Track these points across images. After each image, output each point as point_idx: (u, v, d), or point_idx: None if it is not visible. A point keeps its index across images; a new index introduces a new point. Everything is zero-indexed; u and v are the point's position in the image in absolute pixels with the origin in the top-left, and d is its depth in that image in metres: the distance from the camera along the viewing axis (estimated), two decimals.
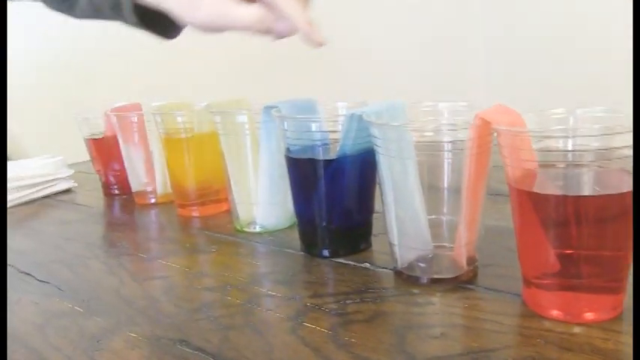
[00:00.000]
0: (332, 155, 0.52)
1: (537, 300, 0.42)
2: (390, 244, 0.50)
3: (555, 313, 0.41)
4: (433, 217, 0.48)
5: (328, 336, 0.41)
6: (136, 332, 0.43)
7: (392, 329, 0.41)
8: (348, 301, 0.46)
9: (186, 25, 0.53)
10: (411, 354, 0.38)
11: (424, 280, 0.48)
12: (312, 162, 0.53)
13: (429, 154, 0.46)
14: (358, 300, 0.46)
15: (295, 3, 0.49)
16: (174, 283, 0.52)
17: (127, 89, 1.15)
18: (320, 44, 0.50)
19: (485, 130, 0.43)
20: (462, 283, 0.47)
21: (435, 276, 0.48)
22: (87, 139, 0.85)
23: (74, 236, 0.67)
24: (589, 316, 0.40)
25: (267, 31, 0.51)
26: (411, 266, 0.49)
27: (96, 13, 0.54)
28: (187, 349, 0.40)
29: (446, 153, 0.46)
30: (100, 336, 0.43)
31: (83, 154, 0.91)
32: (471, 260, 0.48)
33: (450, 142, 0.45)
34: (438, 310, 0.44)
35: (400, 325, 0.42)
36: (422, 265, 0.49)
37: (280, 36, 0.51)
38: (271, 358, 0.38)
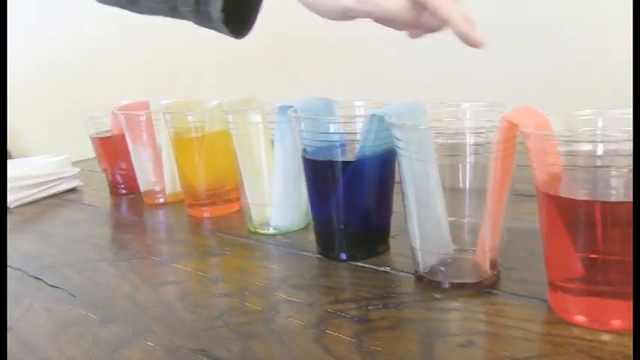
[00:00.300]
0: (351, 157, 0.51)
1: (564, 305, 0.41)
2: (412, 248, 0.49)
3: (582, 319, 0.40)
4: (454, 219, 0.47)
5: (352, 344, 0.39)
6: (153, 341, 0.42)
7: (418, 337, 0.40)
8: (370, 307, 0.44)
9: (254, 23, 0.49)
10: None
11: (446, 285, 0.47)
12: (330, 164, 0.51)
13: (452, 156, 0.45)
14: (380, 306, 0.45)
15: None
16: (190, 288, 0.51)
17: (128, 88, 1.14)
18: (478, 44, 0.45)
19: (511, 132, 0.42)
20: (485, 287, 0.46)
21: (458, 281, 0.47)
22: (93, 137, 0.84)
23: (83, 238, 0.66)
24: (616, 323, 0.39)
25: (413, 24, 0.46)
26: (432, 271, 0.48)
27: (162, 9, 0.49)
28: None
29: (469, 156, 0.45)
30: (115, 345, 0.42)
31: (87, 152, 0.89)
32: (494, 264, 0.47)
33: (474, 145, 0.44)
34: (462, 317, 0.43)
35: (426, 333, 0.41)
36: (443, 269, 0.48)
37: (429, 31, 0.47)
38: None
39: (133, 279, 0.53)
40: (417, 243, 0.48)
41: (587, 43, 0.92)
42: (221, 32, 0.47)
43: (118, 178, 0.83)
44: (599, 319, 0.40)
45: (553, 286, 0.42)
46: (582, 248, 0.39)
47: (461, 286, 0.46)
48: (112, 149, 0.82)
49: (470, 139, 0.44)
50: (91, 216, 0.75)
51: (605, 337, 0.38)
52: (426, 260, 0.48)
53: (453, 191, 0.46)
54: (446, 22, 0.45)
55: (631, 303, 0.38)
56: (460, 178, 0.46)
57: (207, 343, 0.41)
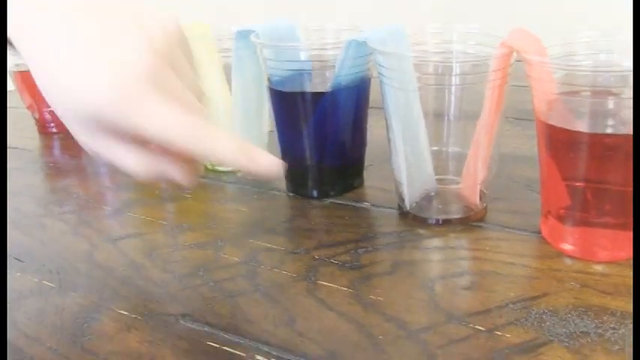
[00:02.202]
0: (323, 86, 0.46)
1: (561, 237, 0.40)
2: (396, 183, 0.45)
3: (580, 250, 0.39)
4: (437, 149, 0.44)
5: (351, 295, 0.37)
6: (125, 309, 0.37)
7: (417, 282, 0.38)
8: (359, 250, 0.41)
9: None
10: (448, 311, 0.35)
11: (433, 221, 0.44)
12: (302, 95, 0.46)
13: (439, 86, 0.41)
14: (370, 248, 0.42)
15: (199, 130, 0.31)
16: (154, 241, 0.46)
17: None
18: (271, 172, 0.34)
19: (509, 59, 0.39)
20: (474, 221, 0.44)
21: (446, 216, 0.44)
22: (12, 72, 0.73)
23: (18, 189, 0.58)
24: (618, 254, 0.38)
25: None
26: (419, 206, 0.45)
27: None
28: (194, 326, 0.35)
29: (460, 86, 0.41)
30: (82, 317, 0.37)
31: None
32: (482, 196, 0.45)
33: (465, 74, 0.40)
34: (459, 256, 0.41)
35: (425, 277, 0.38)
36: (431, 204, 0.45)
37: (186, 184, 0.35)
38: (297, 329, 0.34)
39: (88, 234, 0.48)
40: (402, 177, 0.44)
41: None
42: None
43: (47, 115, 0.74)
44: (597, 250, 0.39)
45: (549, 216, 0.40)
46: (582, 178, 0.37)
47: (449, 222, 0.44)
48: (36, 84, 0.72)
49: (460, 68, 0.40)
50: (23, 162, 0.67)
51: (606, 270, 0.37)
52: (412, 195, 0.45)
53: (437, 120, 0.43)
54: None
55: (630, 233, 0.37)
56: (446, 107, 0.42)
57: (188, 307, 0.37)
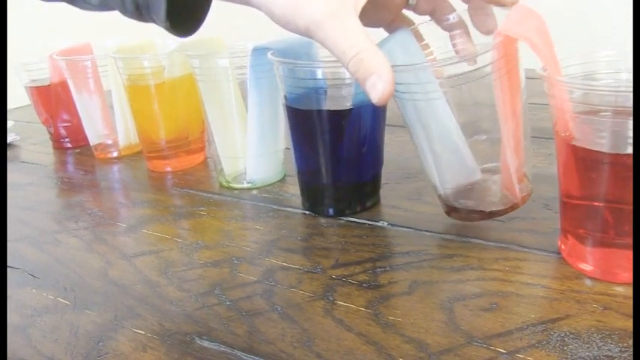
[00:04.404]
0: (342, 105, 0.46)
1: (580, 256, 0.39)
2: (435, 188, 0.45)
3: (600, 271, 0.38)
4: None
5: (369, 316, 0.36)
6: (142, 328, 0.37)
7: (437, 303, 0.37)
8: (377, 270, 0.41)
9: (201, 24, 0.41)
10: (468, 332, 0.34)
11: (477, 216, 0.44)
12: (319, 113, 0.46)
13: (455, 87, 0.41)
14: (388, 268, 0.41)
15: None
16: (170, 258, 0.46)
17: (61, 28, 1.02)
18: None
19: (510, 45, 0.38)
20: (498, 241, 0.43)
21: (493, 208, 0.43)
22: (28, 87, 0.74)
23: (33, 204, 0.59)
24: (631, 276, 0.38)
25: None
26: (461, 203, 0.44)
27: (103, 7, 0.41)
28: (211, 346, 0.35)
29: (470, 81, 0.40)
30: (98, 335, 0.37)
31: (20, 99, 0.79)
32: (523, 187, 0.43)
33: (477, 69, 0.40)
34: (478, 276, 0.40)
35: (444, 297, 0.38)
36: (472, 200, 0.44)
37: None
38: (315, 350, 0.33)
39: (103, 251, 0.48)
40: (436, 180, 0.44)
41: None
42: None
43: (62, 130, 0.75)
44: (618, 271, 0.38)
45: (569, 236, 0.40)
46: (602, 198, 0.36)
47: (493, 214, 0.44)
48: (52, 99, 0.72)
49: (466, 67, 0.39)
50: (37, 177, 0.67)
51: (628, 291, 0.37)
52: (449, 194, 0.44)
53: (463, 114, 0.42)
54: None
55: None
56: (464, 105, 0.42)
57: (204, 326, 0.37)
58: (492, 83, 0.39)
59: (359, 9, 0.35)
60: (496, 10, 0.41)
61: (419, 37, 0.43)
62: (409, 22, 0.43)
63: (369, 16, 0.35)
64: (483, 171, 0.44)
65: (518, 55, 0.39)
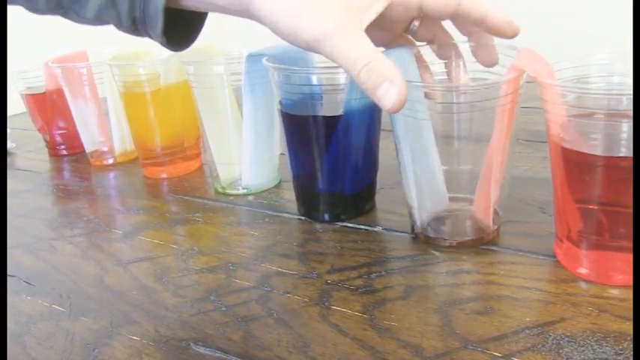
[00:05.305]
0: (337, 111, 0.46)
1: (575, 260, 0.39)
2: (408, 206, 0.45)
3: (596, 274, 0.38)
4: (447, 167, 0.44)
5: (364, 321, 0.36)
6: (137, 334, 0.37)
7: (432, 307, 0.37)
8: (372, 275, 0.41)
9: (196, 38, 0.42)
10: (463, 336, 0.34)
11: (446, 244, 0.44)
12: (314, 119, 0.46)
13: (446, 113, 0.41)
14: (383, 273, 0.41)
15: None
16: (165, 264, 0.46)
17: (56, 35, 1.02)
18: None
19: (519, 81, 0.39)
20: (487, 244, 0.44)
21: (459, 239, 0.44)
22: (24, 94, 0.74)
23: (29, 211, 0.58)
24: (626, 278, 0.38)
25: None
26: (431, 229, 0.45)
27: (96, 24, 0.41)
28: (207, 352, 0.35)
29: (469, 111, 0.41)
30: (93, 342, 0.37)
31: (15, 107, 0.79)
32: (495, 218, 0.44)
33: (479, 100, 0.40)
34: (474, 280, 0.40)
35: (440, 301, 0.38)
36: (443, 227, 0.45)
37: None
38: (311, 355, 0.33)
39: (99, 258, 0.47)
40: (413, 200, 0.44)
41: None
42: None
43: (58, 138, 0.75)
44: (613, 274, 0.38)
45: (563, 239, 0.40)
46: (596, 200, 0.36)
47: (462, 244, 0.44)
48: (47, 107, 0.72)
49: (471, 96, 0.40)
50: (33, 184, 0.67)
51: (623, 294, 0.37)
52: (423, 217, 0.44)
53: (448, 142, 0.43)
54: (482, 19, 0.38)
55: None
56: (456, 131, 0.42)
57: (200, 332, 0.37)
58: (494, 116, 0.39)
59: (365, 25, 0.35)
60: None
61: (420, 59, 0.43)
62: (410, 43, 0.43)
63: (369, 35, 0.35)
64: (457, 200, 0.45)
65: (519, 95, 0.40)
